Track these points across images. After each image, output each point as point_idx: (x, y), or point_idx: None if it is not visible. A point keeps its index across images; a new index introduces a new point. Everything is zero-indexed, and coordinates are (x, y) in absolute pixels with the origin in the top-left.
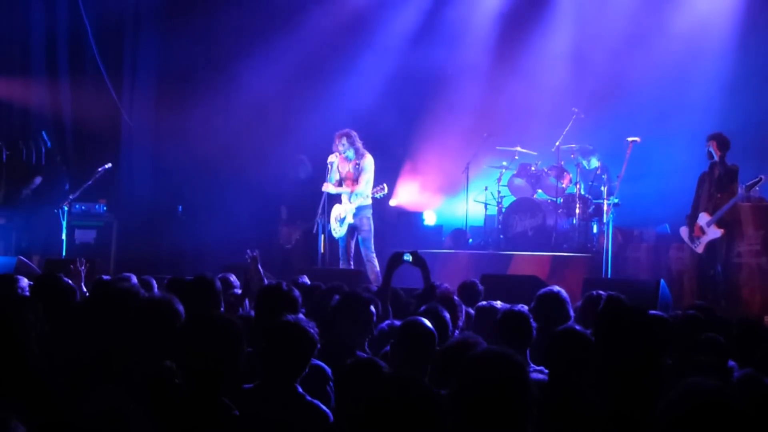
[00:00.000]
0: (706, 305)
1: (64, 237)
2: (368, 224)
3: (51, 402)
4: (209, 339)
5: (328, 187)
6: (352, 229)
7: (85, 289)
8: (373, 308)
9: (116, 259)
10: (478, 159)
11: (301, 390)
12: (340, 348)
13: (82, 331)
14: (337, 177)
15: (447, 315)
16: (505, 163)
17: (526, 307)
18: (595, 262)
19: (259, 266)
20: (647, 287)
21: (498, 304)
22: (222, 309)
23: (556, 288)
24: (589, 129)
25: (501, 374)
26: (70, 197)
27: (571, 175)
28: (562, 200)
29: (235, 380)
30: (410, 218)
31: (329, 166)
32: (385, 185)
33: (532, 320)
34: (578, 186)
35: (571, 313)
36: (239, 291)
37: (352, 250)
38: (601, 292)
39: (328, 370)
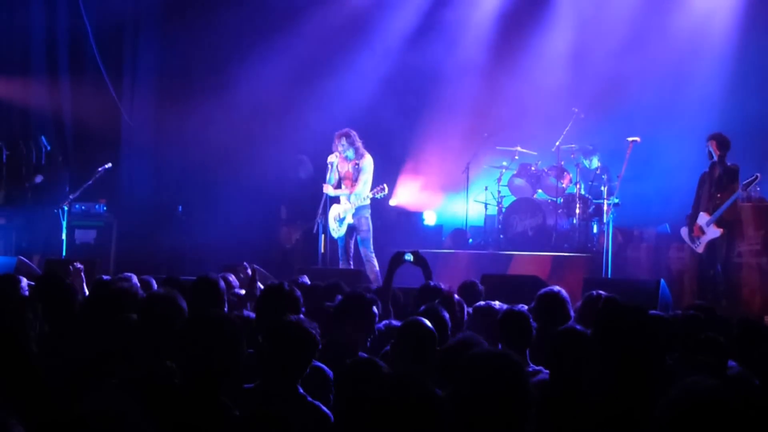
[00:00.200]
0: (706, 305)
1: (64, 237)
2: (367, 224)
3: (50, 402)
4: (209, 338)
5: (328, 189)
6: (351, 229)
7: (86, 290)
8: (375, 309)
9: (116, 259)
10: (478, 159)
11: (302, 391)
12: (342, 348)
13: (82, 331)
14: (337, 177)
15: (447, 315)
16: (505, 163)
17: (525, 307)
18: (596, 262)
19: (258, 280)
20: (647, 287)
21: (496, 304)
22: (226, 309)
23: (556, 288)
24: (589, 129)
25: (499, 375)
26: (70, 197)
27: (571, 175)
28: (562, 200)
29: (235, 380)
30: (410, 218)
31: (329, 166)
32: (385, 186)
33: (532, 320)
34: (578, 186)
35: (572, 313)
36: (239, 290)
37: (352, 250)
38: (601, 292)
39: (329, 371)
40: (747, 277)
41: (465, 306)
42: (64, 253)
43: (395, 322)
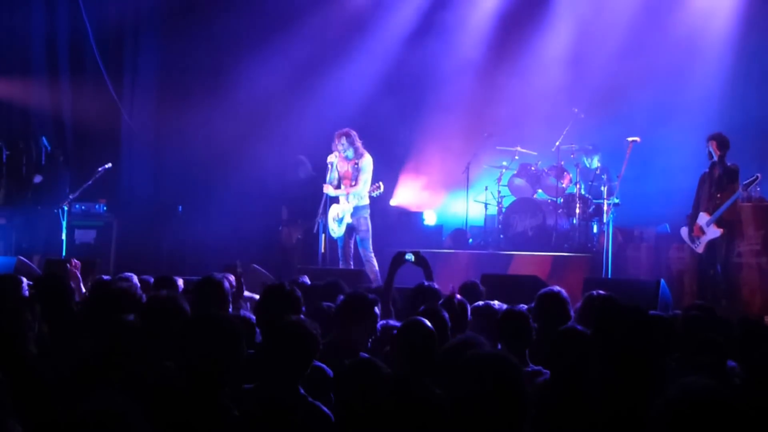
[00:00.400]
0: (706, 305)
1: (64, 237)
2: (366, 224)
3: (49, 402)
4: (209, 339)
5: (328, 189)
6: (351, 230)
7: (83, 289)
8: (377, 309)
9: (116, 259)
10: (478, 159)
11: (302, 391)
12: (343, 349)
13: (82, 332)
14: (337, 177)
15: (447, 315)
16: (505, 163)
17: (525, 307)
18: (596, 262)
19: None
20: (647, 287)
21: (496, 304)
22: (231, 309)
23: (556, 288)
24: (589, 129)
25: (495, 376)
26: (70, 197)
27: (571, 175)
28: (562, 200)
29: (235, 380)
30: (410, 218)
31: (329, 166)
32: (380, 183)
33: (531, 320)
34: (578, 186)
35: (572, 313)
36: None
37: (351, 249)
38: (601, 292)
39: (330, 372)
40: (747, 277)
41: (468, 306)
42: (64, 253)
43: (393, 322)
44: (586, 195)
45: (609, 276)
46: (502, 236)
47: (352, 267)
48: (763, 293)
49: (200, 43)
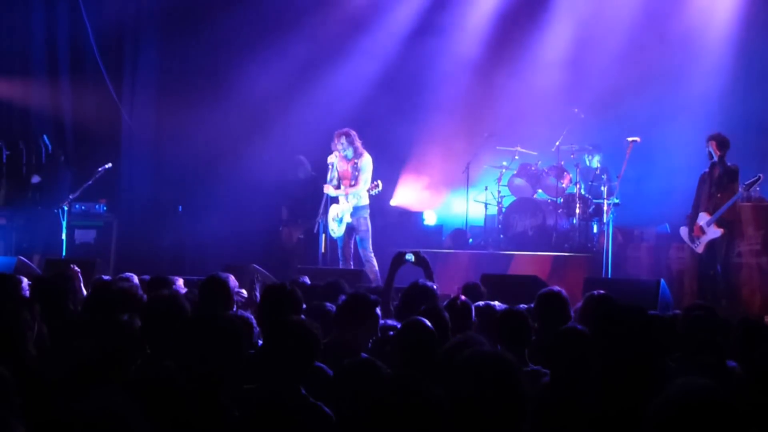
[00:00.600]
0: (706, 305)
1: (64, 237)
2: (365, 224)
3: (48, 403)
4: (210, 339)
5: (328, 189)
6: (350, 230)
7: (84, 291)
8: (378, 310)
9: (116, 259)
10: (478, 159)
11: (303, 391)
12: (344, 349)
13: (82, 332)
14: (336, 176)
15: (447, 315)
16: (505, 163)
17: (525, 307)
18: (596, 262)
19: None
20: (647, 287)
21: (495, 304)
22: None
23: (557, 288)
24: (589, 129)
25: (493, 376)
26: (70, 197)
27: (571, 175)
28: (562, 200)
29: (236, 381)
30: (410, 218)
31: (329, 166)
32: (379, 182)
33: (530, 320)
34: (578, 186)
35: (572, 313)
36: (241, 291)
37: (351, 249)
38: (602, 291)
39: (330, 372)
40: (747, 277)
41: (472, 307)
42: (64, 253)
43: (393, 322)
44: (586, 195)
45: (609, 276)
46: (502, 236)
47: (352, 267)
48: (763, 293)
49: (200, 44)
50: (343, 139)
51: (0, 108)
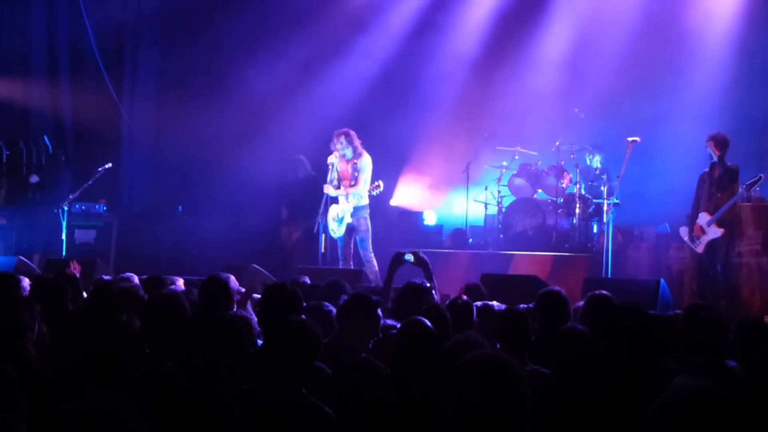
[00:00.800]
0: (706, 305)
1: (64, 237)
2: (365, 224)
3: (48, 402)
4: (211, 338)
5: (329, 189)
6: (350, 230)
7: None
8: (380, 311)
9: (116, 259)
10: (478, 159)
11: (303, 391)
12: (344, 349)
13: (82, 331)
14: (336, 177)
15: (448, 315)
16: (505, 163)
17: (524, 307)
18: (596, 262)
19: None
20: (647, 287)
21: (495, 304)
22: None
23: (557, 288)
24: (589, 129)
25: (495, 376)
26: (70, 197)
27: (571, 175)
28: (562, 200)
29: (236, 381)
30: (410, 218)
31: (330, 166)
32: (380, 182)
33: (530, 320)
34: (578, 186)
35: (571, 313)
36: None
37: (351, 250)
38: (604, 292)
39: (330, 372)
40: (747, 277)
41: (474, 308)
42: (64, 253)
43: (392, 322)
44: (586, 195)
45: (609, 276)
46: (502, 236)
47: (352, 267)
48: (763, 293)
49: (200, 44)
50: (343, 139)
51: (0, 108)
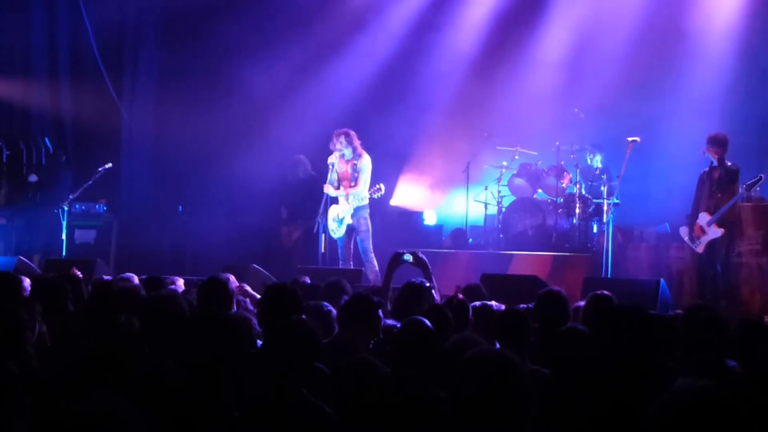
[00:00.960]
0: (706, 305)
1: (64, 237)
2: (366, 225)
3: (47, 403)
4: (211, 338)
5: (329, 189)
6: (351, 230)
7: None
8: (381, 312)
9: (116, 259)
10: (478, 159)
11: (304, 391)
12: (344, 349)
13: (83, 331)
14: (336, 177)
15: (449, 315)
16: (505, 163)
17: (524, 307)
18: (596, 262)
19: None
20: (647, 287)
21: (493, 304)
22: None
23: (557, 288)
24: (589, 129)
25: (498, 375)
26: (70, 197)
27: (571, 175)
28: (562, 200)
29: (237, 381)
30: (410, 218)
31: (330, 166)
32: (381, 185)
33: (530, 320)
34: (578, 186)
35: (571, 313)
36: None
37: (352, 250)
38: (606, 292)
39: (330, 372)
40: (747, 277)
41: (469, 307)
42: (64, 253)
43: (393, 322)
44: (586, 195)
45: (609, 276)
46: (502, 236)
47: (352, 267)
48: (763, 293)
49: (200, 44)
50: (342, 139)
51: (0, 108)
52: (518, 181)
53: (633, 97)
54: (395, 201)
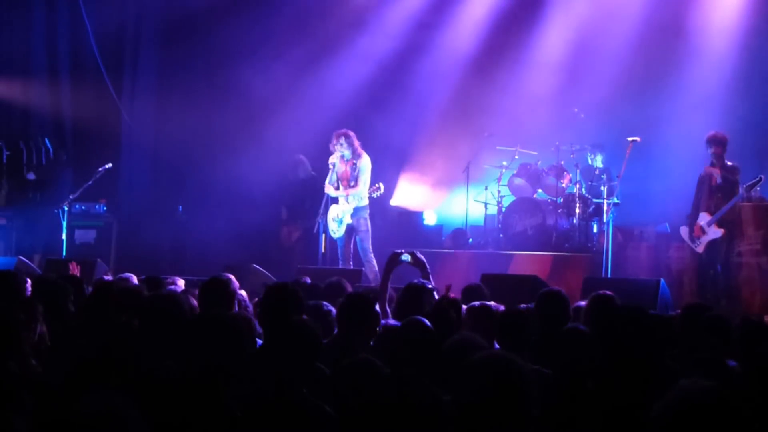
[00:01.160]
0: (706, 305)
1: (64, 237)
2: (365, 225)
3: (48, 403)
4: (212, 338)
5: (329, 190)
6: (350, 230)
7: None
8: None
9: (116, 259)
10: (478, 159)
11: (304, 391)
12: (344, 349)
13: (83, 331)
14: (336, 177)
15: (453, 315)
16: (505, 163)
17: (524, 307)
18: (596, 262)
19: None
20: (647, 287)
21: (492, 304)
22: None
23: (557, 288)
24: (589, 129)
25: (502, 378)
26: (70, 197)
27: (571, 175)
28: (562, 200)
29: (237, 381)
30: (410, 218)
31: (330, 166)
32: (380, 184)
33: (531, 320)
34: (578, 186)
35: (571, 313)
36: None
37: (351, 250)
38: (607, 292)
39: (330, 372)
40: (747, 276)
41: (462, 306)
42: (64, 253)
43: (393, 322)
44: (586, 195)
45: (609, 276)
46: (502, 236)
47: (352, 267)
48: (763, 293)
49: (200, 44)
50: (342, 140)
51: (0, 108)
52: (518, 181)
53: (633, 97)
54: (395, 201)
